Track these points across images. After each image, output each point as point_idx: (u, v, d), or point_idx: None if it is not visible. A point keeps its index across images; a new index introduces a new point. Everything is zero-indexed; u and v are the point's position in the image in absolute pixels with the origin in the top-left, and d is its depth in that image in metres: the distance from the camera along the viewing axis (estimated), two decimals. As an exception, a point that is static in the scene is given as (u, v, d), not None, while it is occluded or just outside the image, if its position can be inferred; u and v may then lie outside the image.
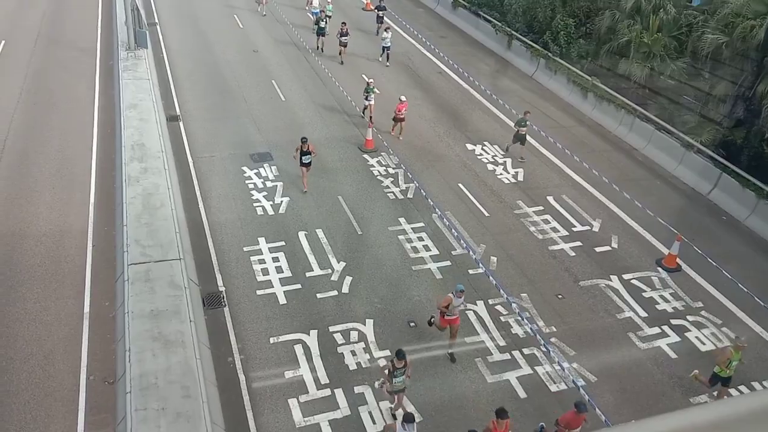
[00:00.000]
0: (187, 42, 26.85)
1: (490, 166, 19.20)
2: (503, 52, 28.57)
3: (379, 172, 18.39)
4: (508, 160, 19.55)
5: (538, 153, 20.25)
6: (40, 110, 20.05)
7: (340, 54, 25.74)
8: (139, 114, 18.81)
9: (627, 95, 22.65)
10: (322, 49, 26.69)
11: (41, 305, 12.48)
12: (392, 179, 18.05)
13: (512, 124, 20.40)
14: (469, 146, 20.34)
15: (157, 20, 28.57)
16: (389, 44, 25.89)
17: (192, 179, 17.23)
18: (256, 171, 17.82)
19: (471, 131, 21.29)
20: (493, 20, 29.50)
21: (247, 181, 17.32)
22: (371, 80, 21.03)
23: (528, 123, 19.35)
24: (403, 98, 19.99)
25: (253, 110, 21.42)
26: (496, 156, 19.79)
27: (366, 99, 20.69)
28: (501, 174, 18.83)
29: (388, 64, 26.01)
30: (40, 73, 22.56)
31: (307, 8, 30.12)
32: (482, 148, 20.22)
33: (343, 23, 25.53)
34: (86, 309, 12.48)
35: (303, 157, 16.58)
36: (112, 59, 23.66)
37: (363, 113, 21.15)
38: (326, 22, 26.69)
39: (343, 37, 25.28)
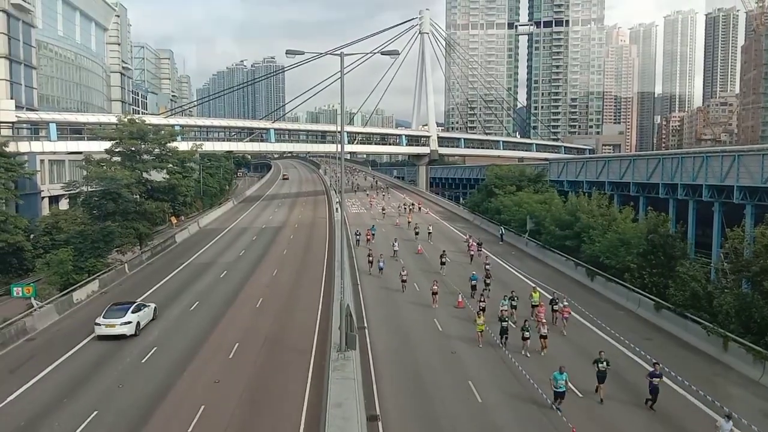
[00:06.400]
0: (391, 344, 28.68)
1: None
2: (719, 354, 26.21)
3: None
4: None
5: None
6: (256, 408, 21.84)
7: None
8: (342, 413, 19.60)
9: None
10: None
11: None
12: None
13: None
14: (694, 461, 17.67)
15: (366, 324, 31.33)
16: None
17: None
18: (451, 477, 16.93)
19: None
20: (703, 322, 27.84)
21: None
22: None
23: None
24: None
25: (449, 412, 21.23)
26: (730, 475, 16.82)
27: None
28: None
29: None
30: (261, 373, 25.17)
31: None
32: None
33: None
34: None
35: None
36: (324, 359, 25.81)
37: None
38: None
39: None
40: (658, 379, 21.27)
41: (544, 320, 28.02)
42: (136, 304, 31.78)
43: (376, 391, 23.05)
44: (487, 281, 37.80)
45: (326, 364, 24.74)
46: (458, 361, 26.26)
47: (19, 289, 33.16)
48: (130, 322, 29.96)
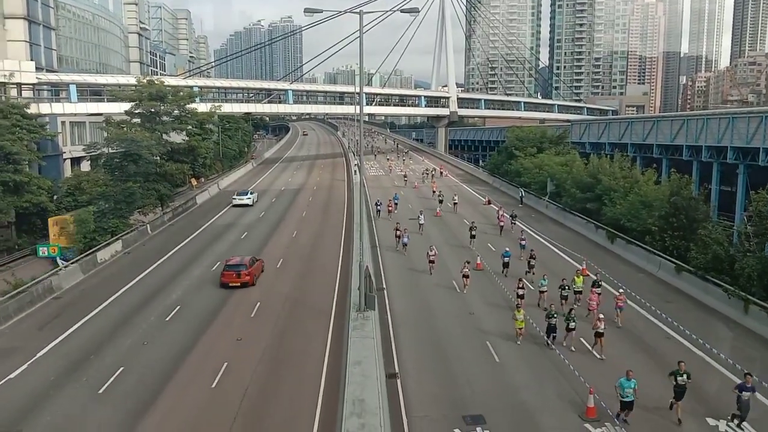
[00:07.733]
0: (409, 305, 28.93)
1: (742, 448, 16.26)
2: (740, 317, 26.10)
3: (604, 445, 16.38)
4: (765, 442, 16.46)
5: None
6: (277, 366, 22.28)
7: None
8: (362, 371, 19.93)
9: None
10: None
11: None
12: (620, 455, 15.89)
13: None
14: (711, 421, 17.81)
15: (384, 285, 31.58)
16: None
17: (405, 439, 17.11)
18: (469, 434, 17.20)
19: (712, 404, 18.78)
20: (724, 284, 27.65)
21: (460, 445, 16.65)
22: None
23: None
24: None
25: (467, 371, 21.48)
26: (747, 436, 16.87)
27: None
28: (757, 458, 15.78)
29: None
30: (282, 332, 25.60)
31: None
32: (727, 425, 17.54)
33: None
34: None
35: None
36: (343, 319, 26.16)
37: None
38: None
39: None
40: (749, 394, 17.07)
41: (601, 315, 22.54)
42: (250, 189, 61.58)
43: (395, 350, 23.34)
44: (532, 262, 31.97)
45: (346, 324, 25.10)
46: (475, 320, 26.44)
47: (45, 249, 33.83)
48: (250, 198, 57.80)
